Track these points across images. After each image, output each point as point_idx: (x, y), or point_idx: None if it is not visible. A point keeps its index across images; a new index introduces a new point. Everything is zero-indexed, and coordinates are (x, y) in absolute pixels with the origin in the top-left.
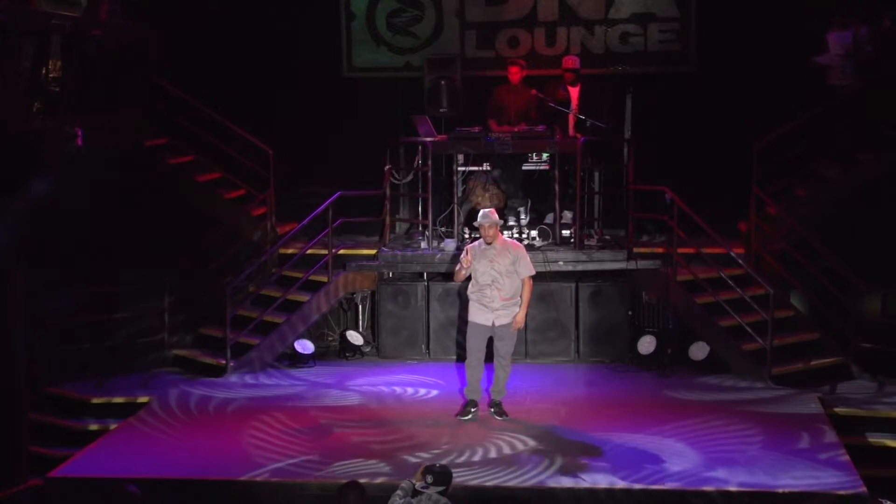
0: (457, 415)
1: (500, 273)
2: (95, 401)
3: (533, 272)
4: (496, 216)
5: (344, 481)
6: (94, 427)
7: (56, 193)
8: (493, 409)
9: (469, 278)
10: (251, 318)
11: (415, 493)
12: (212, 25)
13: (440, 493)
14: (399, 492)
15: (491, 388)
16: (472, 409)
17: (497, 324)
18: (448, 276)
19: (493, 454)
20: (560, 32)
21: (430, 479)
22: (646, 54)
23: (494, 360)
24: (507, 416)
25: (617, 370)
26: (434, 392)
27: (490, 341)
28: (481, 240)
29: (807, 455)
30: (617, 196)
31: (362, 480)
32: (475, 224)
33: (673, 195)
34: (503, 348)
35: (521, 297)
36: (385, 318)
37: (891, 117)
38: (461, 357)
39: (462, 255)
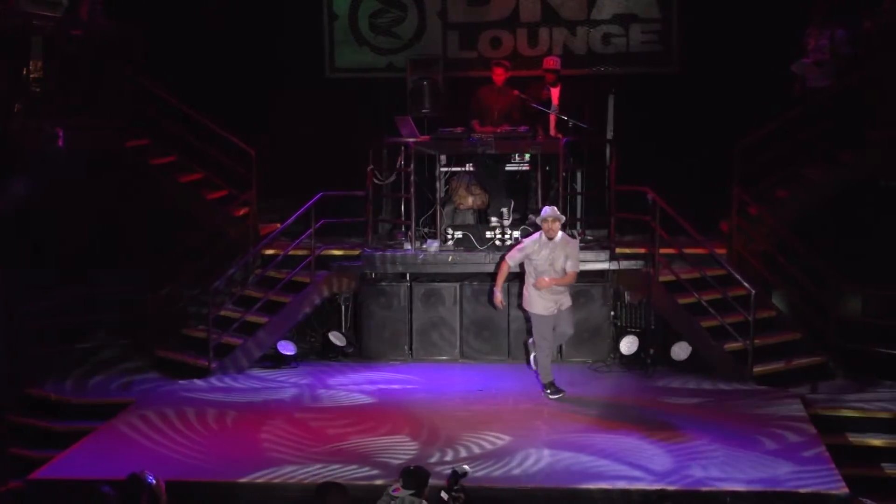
0: (551, 396)
1: (555, 269)
2: (77, 402)
3: (578, 269)
4: (558, 212)
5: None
6: (75, 428)
7: (37, 194)
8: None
9: None
10: (234, 319)
11: (392, 498)
12: (194, 25)
13: (413, 495)
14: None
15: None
16: (559, 389)
17: (564, 307)
18: (433, 276)
19: (476, 454)
20: (542, 33)
21: (400, 482)
22: (628, 55)
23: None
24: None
25: (599, 370)
26: (415, 392)
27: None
28: (538, 234)
29: (788, 455)
30: (599, 196)
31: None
32: (537, 221)
33: (655, 195)
34: (567, 331)
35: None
36: (368, 319)
37: (870, 118)
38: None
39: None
